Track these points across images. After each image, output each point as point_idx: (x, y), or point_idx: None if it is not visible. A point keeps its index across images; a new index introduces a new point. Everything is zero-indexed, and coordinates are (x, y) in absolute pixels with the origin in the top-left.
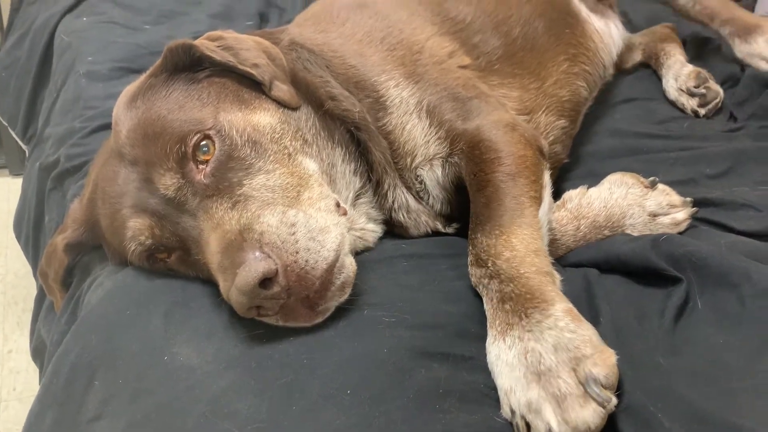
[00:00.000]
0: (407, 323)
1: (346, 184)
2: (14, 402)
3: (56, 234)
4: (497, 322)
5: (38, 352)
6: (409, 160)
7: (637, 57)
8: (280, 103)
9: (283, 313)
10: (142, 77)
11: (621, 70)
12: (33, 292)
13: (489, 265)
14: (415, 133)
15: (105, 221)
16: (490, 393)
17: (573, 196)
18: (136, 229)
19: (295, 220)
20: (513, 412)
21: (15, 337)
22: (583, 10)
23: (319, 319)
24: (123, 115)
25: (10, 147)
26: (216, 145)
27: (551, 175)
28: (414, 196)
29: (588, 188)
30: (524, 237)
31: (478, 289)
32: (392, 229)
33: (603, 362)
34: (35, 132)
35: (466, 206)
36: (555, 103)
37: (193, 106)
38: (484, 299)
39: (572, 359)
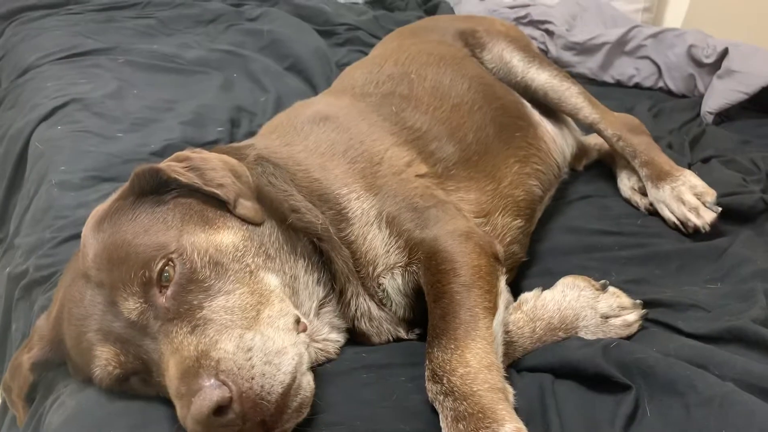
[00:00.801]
0: None
1: (309, 295)
2: None
3: (22, 348)
4: None
5: None
6: (371, 269)
7: (593, 155)
8: (245, 220)
9: None
10: (110, 199)
11: (578, 168)
12: None
13: (444, 381)
14: (376, 243)
15: (70, 342)
16: None
17: (528, 298)
18: (103, 359)
19: (252, 344)
20: None
21: None
22: (536, 115)
23: None
24: (90, 238)
25: None
26: (176, 268)
27: (509, 274)
28: (377, 303)
29: (543, 290)
30: (478, 351)
31: (434, 405)
32: (354, 338)
33: None
34: (6, 236)
35: (427, 311)
36: (511, 203)
37: (158, 229)
38: (440, 416)
39: None
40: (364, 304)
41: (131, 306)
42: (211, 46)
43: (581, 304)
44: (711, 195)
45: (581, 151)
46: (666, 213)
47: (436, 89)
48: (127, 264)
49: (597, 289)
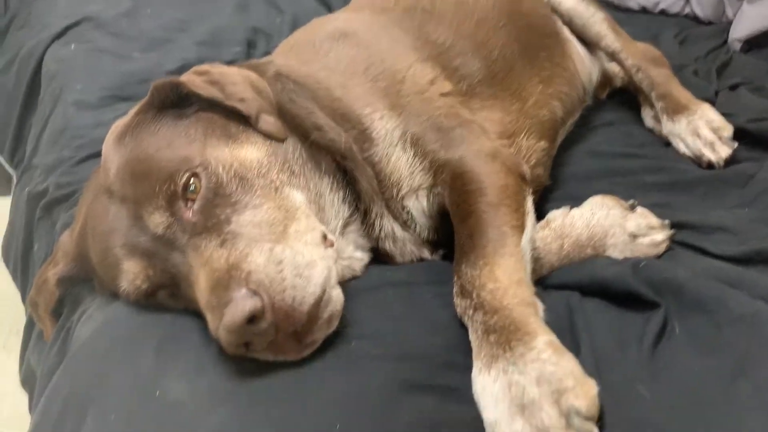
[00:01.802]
0: (394, 355)
1: (334, 213)
2: (1, 428)
3: (46, 265)
4: (482, 353)
5: (27, 381)
6: (395, 191)
7: (616, 83)
8: (268, 136)
9: (272, 348)
10: (131, 113)
11: (600, 96)
12: (21, 314)
13: (474, 296)
14: (400, 164)
15: (96, 257)
16: (477, 425)
17: (557, 216)
18: (131, 273)
19: (282, 257)
20: None
21: (1, 360)
22: (566, 31)
23: (307, 352)
24: (112, 153)
25: None
26: (203, 182)
27: (534, 197)
28: (401, 225)
29: (571, 209)
30: (507, 268)
31: (463, 320)
32: (378, 257)
33: (584, 394)
34: (23, 157)
35: (452, 232)
36: (536, 124)
37: (180, 143)
38: (470, 330)
39: (555, 392)
40: (388, 225)
41: (157, 220)
42: None
43: (610, 223)
44: (728, 130)
45: (605, 78)
46: (681, 147)
47: (460, 4)
48: (151, 178)
49: (625, 209)
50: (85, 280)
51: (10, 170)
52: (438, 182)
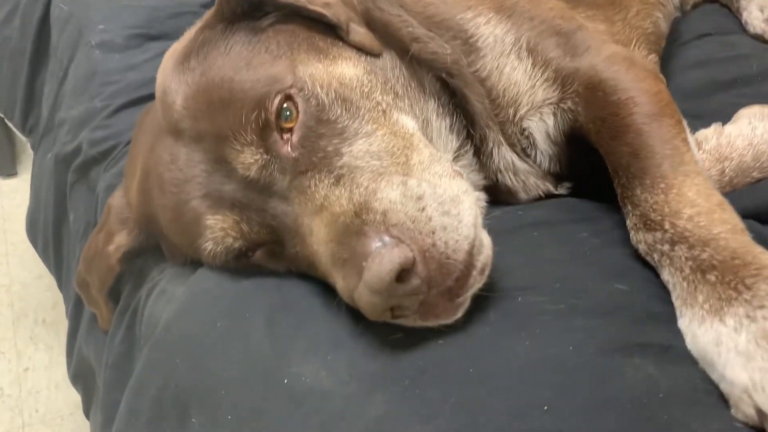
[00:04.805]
0: (578, 309)
1: (443, 144)
2: (39, 425)
3: (94, 235)
4: (700, 298)
5: (81, 375)
6: (511, 111)
7: None
8: (360, 50)
9: (422, 310)
10: (191, 31)
11: (685, 8)
12: (44, 301)
13: (666, 227)
14: (517, 76)
15: (167, 215)
16: (709, 389)
17: (709, 135)
18: (220, 229)
19: (421, 191)
20: (764, 413)
21: (29, 353)
22: None
23: (460, 314)
24: (174, 82)
25: None
26: (300, 107)
27: None
28: (518, 154)
29: (723, 125)
30: (699, 188)
31: (649, 259)
32: (495, 197)
33: None
34: (38, 120)
35: (577, 162)
36: (642, 36)
37: (262, 60)
38: (666, 270)
39: None
40: (506, 155)
41: (248, 159)
42: None
43: None
44: None
45: None
46: None
47: None
48: (234, 106)
49: None
50: (152, 248)
51: (24, 138)
52: (567, 95)
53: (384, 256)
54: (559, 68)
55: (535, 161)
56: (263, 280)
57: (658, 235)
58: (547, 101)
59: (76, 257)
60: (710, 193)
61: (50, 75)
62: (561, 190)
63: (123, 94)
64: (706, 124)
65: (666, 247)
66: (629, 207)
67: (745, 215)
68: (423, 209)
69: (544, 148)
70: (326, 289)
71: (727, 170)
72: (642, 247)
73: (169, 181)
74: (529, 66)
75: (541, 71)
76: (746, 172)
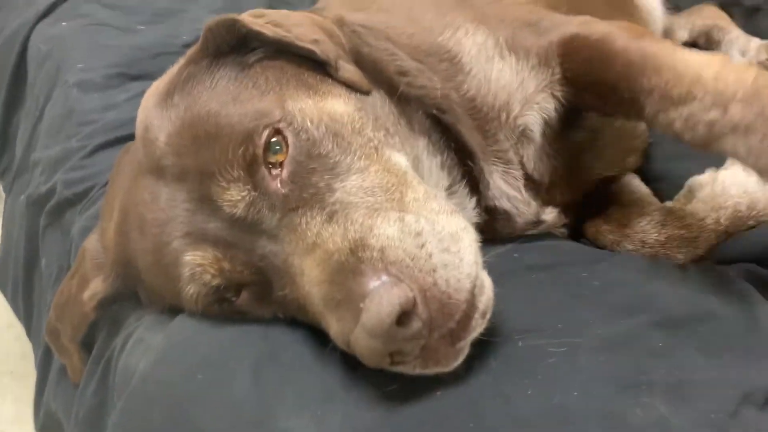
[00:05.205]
0: (581, 348)
1: (435, 182)
2: None
3: (67, 280)
4: None
5: (49, 429)
6: (504, 115)
7: (683, 36)
8: (350, 87)
9: (423, 356)
10: (174, 68)
11: None
12: (13, 352)
13: (698, 95)
14: (505, 78)
15: (146, 259)
16: (724, 428)
17: (703, 183)
18: (197, 266)
19: (419, 227)
20: None
21: None
22: None
23: (460, 359)
24: (156, 118)
25: None
26: (289, 141)
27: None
28: (509, 183)
29: (717, 170)
30: (699, 56)
31: (688, 136)
32: (487, 235)
33: None
34: (12, 161)
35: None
36: None
37: (250, 95)
38: (727, 139)
39: None
40: (499, 181)
41: (235, 196)
42: None
43: None
44: None
45: (668, 31)
46: None
47: None
48: (220, 141)
49: None
50: (129, 295)
51: None
52: (555, 70)
53: (383, 297)
54: (539, 50)
55: (522, 167)
56: (248, 327)
57: (696, 105)
58: (541, 86)
59: (47, 304)
60: (710, 57)
61: (25, 114)
62: (550, 215)
63: (101, 134)
64: (698, 166)
65: (715, 114)
66: (641, 99)
67: (746, 259)
68: (422, 246)
69: (537, 141)
70: (316, 335)
71: (722, 219)
72: (678, 126)
73: (149, 222)
74: (514, 62)
75: (525, 61)
76: (741, 221)
